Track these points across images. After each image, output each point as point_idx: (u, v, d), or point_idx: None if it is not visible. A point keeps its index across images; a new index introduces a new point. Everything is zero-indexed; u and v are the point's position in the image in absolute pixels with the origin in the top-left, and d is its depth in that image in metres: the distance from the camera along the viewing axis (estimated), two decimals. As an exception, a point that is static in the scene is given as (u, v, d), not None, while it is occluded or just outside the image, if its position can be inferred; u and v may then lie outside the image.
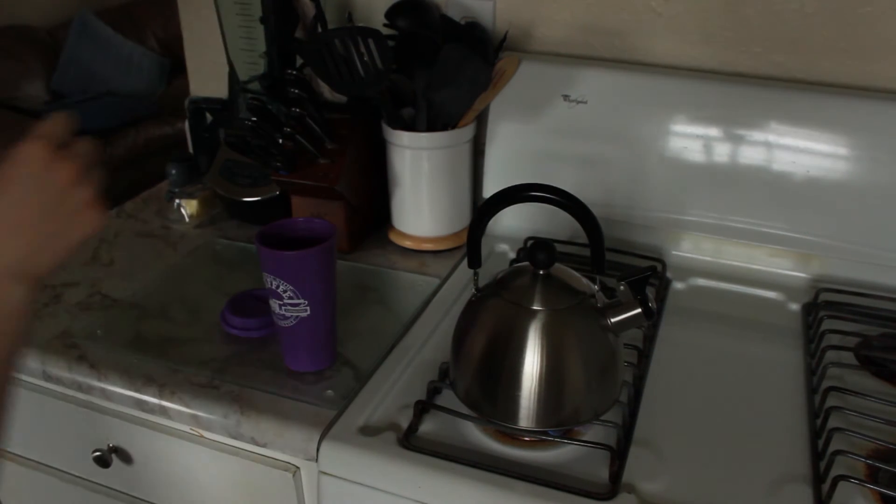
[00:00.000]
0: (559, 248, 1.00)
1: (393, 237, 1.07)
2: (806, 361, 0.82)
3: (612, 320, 0.68)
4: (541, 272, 0.70)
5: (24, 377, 0.87)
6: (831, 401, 0.73)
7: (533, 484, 0.66)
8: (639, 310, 0.67)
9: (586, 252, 1.01)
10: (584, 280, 0.72)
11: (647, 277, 0.68)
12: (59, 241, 0.53)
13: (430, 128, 0.98)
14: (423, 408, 0.73)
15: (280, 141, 0.96)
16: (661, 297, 0.93)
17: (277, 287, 0.76)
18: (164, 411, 0.79)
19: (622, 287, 0.68)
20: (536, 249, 0.70)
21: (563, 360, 0.67)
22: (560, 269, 0.71)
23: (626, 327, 0.68)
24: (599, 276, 0.70)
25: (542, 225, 1.04)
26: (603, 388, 0.70)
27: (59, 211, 0.52)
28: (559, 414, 0.68)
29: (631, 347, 0.80)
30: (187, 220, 1.14)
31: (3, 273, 0.51)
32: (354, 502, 0.71)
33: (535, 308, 0.67)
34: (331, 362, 0.82)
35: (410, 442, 0.70)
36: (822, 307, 0.89)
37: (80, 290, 0.97)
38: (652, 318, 0.69)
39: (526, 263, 0.71)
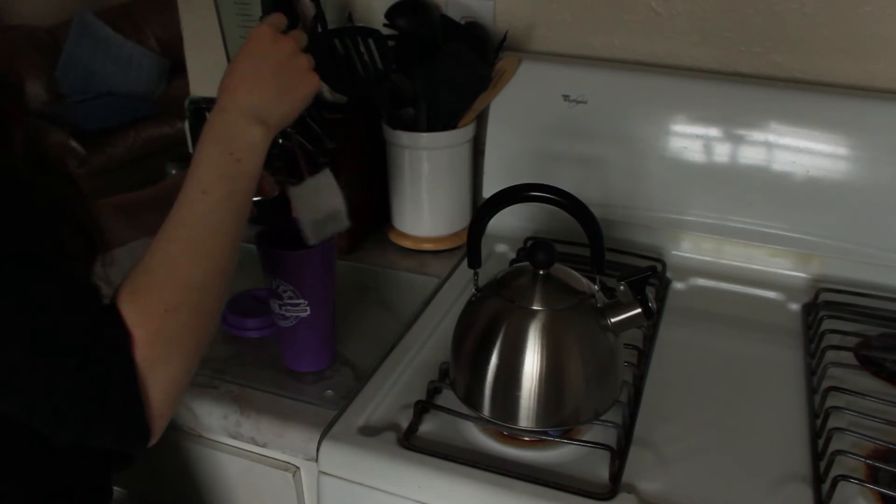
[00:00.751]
0: (559, 248, 1.00)
1: (393, 237, 1.07)
2: (806, 361, 0.82)
3: (612, 320, 0.68)
4: (541, 272, 0.70)
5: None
6: (831, 401, 0.73)
7: (533, 484, 0.66)
8: (639, 310, 0.67)
9: (586, 252, 1.01)
10: (584, 280, 0.72)
11: (646, 277, 0.68)
12: (287, 96, 0.65)
13: (430, 128, 0.98)
14: (423, 408, 0.73)
15: (280, 141, 0.95)
16: (661, 297, 0.93)
17: (277, 287, 0.76)
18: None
19: (622, 287, 0.68)
20: (536, 249, 0.70)
21: (563, 360, 0.67)
22: (560, 269, 0.71)
23: (626, 327, 0.68)
24: (599, 276, 0.70)
25: (542, 225, 1.04)
26: (603, 388, 0.70)
27: (285, 72, 0.65)
28: (559, 414, 0.68)
29: (631, 347, 0.80)
30: (187, 220, 1.14)
31: (247, 113, 0.62)
32: (354, 502, 0.71)
33: (535, 308, 0.67)
34: (331, 362, 0.82)
35: (410, 442, 0.70)
36: (822, 307, 0.89)
37: (80, 290, 0.97)
38: (652, 318, 0.69)
39: (526, 263, 0.71)
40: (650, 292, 0.91)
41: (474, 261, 0.73)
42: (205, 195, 0.59)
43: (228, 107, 0.62)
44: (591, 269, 0.69)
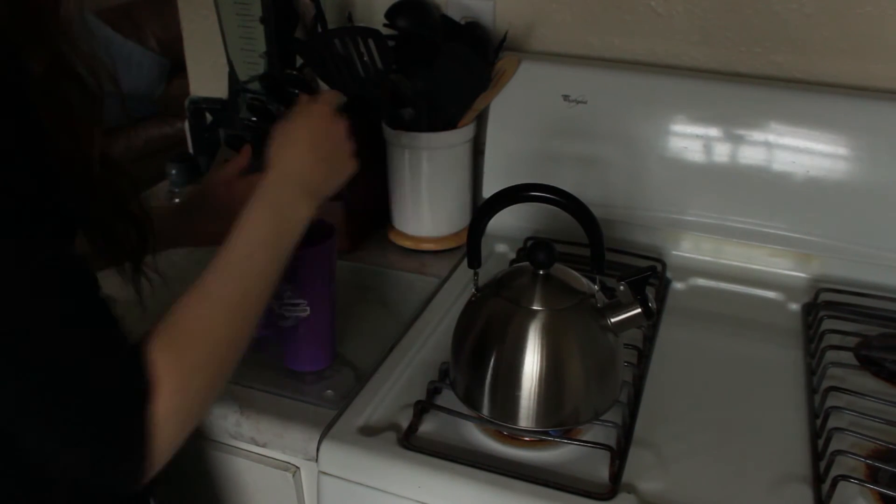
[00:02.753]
0: (559, 248, 1.00)
1: (393, 237, 1.07)
2: (806, 361, 0.82)
3: (612, 320, 0.68)
4: (541, 272, 0.70)
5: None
6: (831, 401, 0.73)
7: (533, 484, 0.66)
8: (639, 310, 0.67)
9: (586, 252, 1.01)
10: (584, 280, 0.72)
11: (646, 277, 0.68)
12: (333, 177, 0.68)
13: (431, 128, 0.98)
14: (423, 408, 0.73)
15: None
16: (661, 297, 0.93)
17: (277, 287, 0.76)
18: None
19: (622, 287, 0.68)
20: (536, 249, 0.70)
21: (563, 360, 0.67)
22: (560, 269, 0.71)
23: (626, 327, 0.68)
24: (599, 276, 0.70)
25: (542, 225, 1.04)
26: (603, 388, 0.70)
27: (336, 154, 0.69)
28: (559, 414, 0.68)
29: (631, 347, 0.80)
30: (187, 220, 1.14)
31: (304, 189, 0.64)
32: (354, 502, 0.71)
33: (534, 308, 0.67)
34: (330, 362, 0.82)
35: (410, 442, 0.70)
36: (822, 307, 0.89)
37: (80, 290, 0.97)
38: (652, 318, 0.69)
39: (526, 263, 0.71)
40: (650, 292, 0.91)
41: (474, 261, 0.73)
42: (250, 260, 0.60)
43: (288, 179, 0.64)
44: (591, 269, 0.69)
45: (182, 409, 0.54)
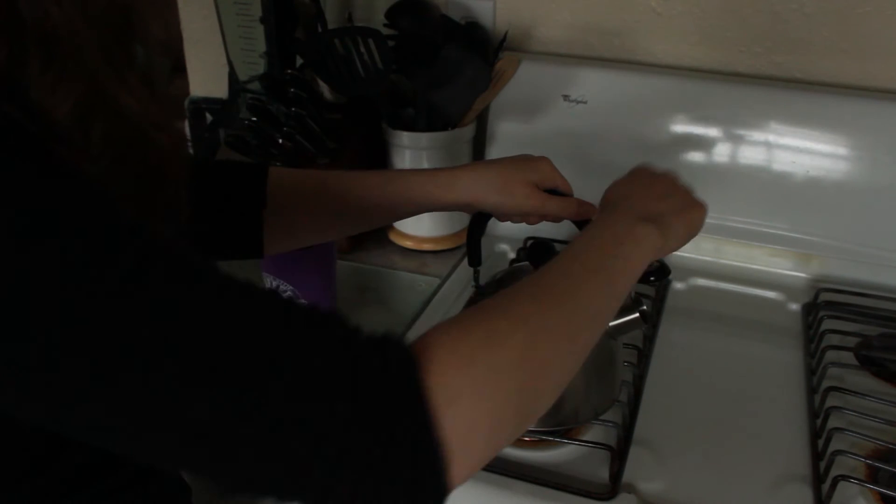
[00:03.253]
0: (559, 248, 1.00)
1: (393, 237, 1.07)
2: (806, 361, 0.82)
3: (610, 324, 0.68)
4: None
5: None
6: (831, 401, 0.73)
7: (533, 484, 0.65)
8: (636, 314, 0.67)
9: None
10: None
11: (646, 278, 0.68)
12: (682, 211, 0.62)
13: (430, 128, 0.98)
14: (423, 408, 0.73)
15: (280, 141, 0.96)
16: (661, 297, 0.93)
17: (277, 287, 0.76)
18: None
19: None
20: (536, 249, 0.70)
21: None
22: None
23: (625, 331, 0.68)
24: None
25: (541, 224, 1.04)
26: (602, 389, 0.70)
27: (675, 193, 0.64)
28: (558, 414, 0.68)
29: (631, 347, 0.80)
30: (187, 220, 1.14)
31: (639, 217, 0.56)
32: (354, 502, 0.71)
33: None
34: None
35: (410, 442, 0.70)
36: (822, 307, 0.89)
37: (80, 290, 0.96)
38: (648, 322, 0.69)
39: (526, 263, 0.71)
40: (651, 293, 0.91)
41: (474, 259, 0.73)
42: (597, 274, 0.50)
43: (619, 211, 0.57)
44: None
45: (467, 390, 0.40)
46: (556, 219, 0.72)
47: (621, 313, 0.67)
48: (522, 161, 0.73)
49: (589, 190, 1.01)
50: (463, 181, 0.69)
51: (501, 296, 0.46)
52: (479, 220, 0.72)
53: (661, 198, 0.60)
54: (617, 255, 0.52)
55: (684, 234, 0.61)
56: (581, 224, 0.69)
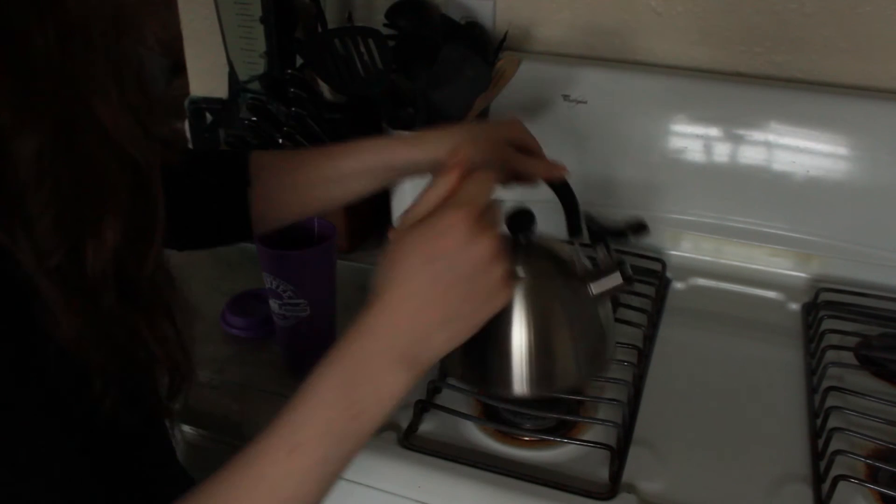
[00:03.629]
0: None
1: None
2: (806, 361, 0.82)
3: (593, 286, 0.66)
4: (521, 240, 0.69)
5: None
6: (831, 401, 0.73)
7: (533, 484, 0.66)
8: (618, 277, 0.65)
9: (586, 252, 1.01)
10: (566, 246, 0.70)
11: (623, 233, 0.67)
12: (458, 323, 0.48)
13: (430, 128, 0.98)
14: (423, 407, 0.73)
15: (280, 141, 0.96)
16: (661, 297, 0.93)
17: (277, 287, 0.76)
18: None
19: (600, 252, 0.67)
20: (516, 217, 0.69)
21: (546, 326, 0.65)
22: (540, 236, 0.70)
23: (608, 295, 0.66)
24: (577, 240, 0.69)
25: (541, 224, 1.04)
26: (593, 354, 0.68)
27: (468, 291, 0.47)
28: (550, 380, 0.66)
29: (631, 347, 0.80)
30: (187, 220, 1.14)
31: (396, 352, 0.46)
32: (354, 502, 0.71)
33: (517, 276, 0.65)
34: None
35: (410, 442, 0.70)
36: (822, 307, 0.89)
37: (80, 290, 0.97)
38: (632, 284, 0.67)
39: (505, 232, 0.70)
40: (651, 294, 0.91)
41: None
42: (292, 455, 0.44)
43: (373, 335, 0.46)
44: (568, 234, 0.68)
45: None
46: (527, 179, 0.69)
47: (601, 277, 0.66)
48: (494, 121, 0.73)
49: (589, 189, 1.01)
50: (433, 139, 0.68)
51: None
52: None
53: (441, 322, 0.47)
54: (350, 426, 0.45)
55: (452, 345, 0.49)
56: (555, 187, 0.68)
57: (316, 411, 0.45)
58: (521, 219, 0.68)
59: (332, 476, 0.45)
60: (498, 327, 0.65)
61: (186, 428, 0.80)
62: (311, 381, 0.46)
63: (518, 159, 0.68)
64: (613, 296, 0.68)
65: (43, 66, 0.36)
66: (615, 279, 0.65)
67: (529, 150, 0.69)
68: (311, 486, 0.45)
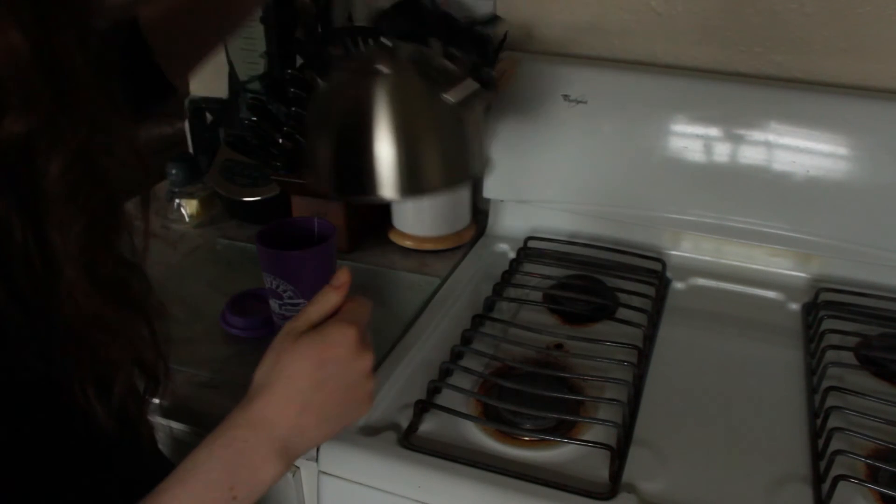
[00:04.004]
0: (559, 247, 1.00)
1: (393, 237, 1.07)
2: (806, 361, 0.82)
3: (450, 93, 0.65)
4: (387, 43, 0.69)
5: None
6: (831, 401, 0.73)
7: (533, 484, 0.66)
8: (472, 80, 0.65)
9: (586, 252, 1.02)
10: (434, 55, 0.70)
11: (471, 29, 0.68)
12: (327, 425, 0.53)
13: (430, 128, 0.98)
14: (423, 407, 0.73)
15: (280, 141, 0.96)
16: (661, 297, 0.93)
17: (277, 287, 0.76)
18: (163, 411, 0.79)
19: (458, 56, 0.67)
20: (382, 17, 0.70)
21: (412, 129, 0.65)
22: (412, 45, 0.70)
23: (470, 102, 0.66)
24: (436, 40, 0.70)
25: (541, 224, 1.04)
26: (457, 161, 0.68)
27: (344, 397, 0.53)
28: (416, 183, 0.66)
29: (631, 347, 0.80)
30: (187, 219, 1.14)
31: (276, 444, 0.51)
32: (354, 502, 0.71)
33: (379, 71, 0.65)
34: None
35: (410, 442, 0.70)
36: (822, 307, 0.89)
37: (80, 290, 0.97)
38: (491, 88, 0.66)
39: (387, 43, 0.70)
40: (651, 294, 0.91)
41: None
42: None
43: (258, 426, 0.51)
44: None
45: None
46: None
47: (455, 86, 0.65)
48: None
49: (589, 189, 1.01)
50: None
51: None
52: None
53: (317, 418, 0.52)
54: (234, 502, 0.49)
55: (318, 442, 0.57)
56: None
57: (200, 490, 0.49)
58: (388, 18, 0.69)
59: None
60: (364, 132, 0.64)
61: (186, 427, 0.80)
62: (196, 459, 0.50)
63: None
64: (480, 103, 0.67)
65: (76, 88, 0.41)
66: (470, 85, 0.65)
67: None
68: None
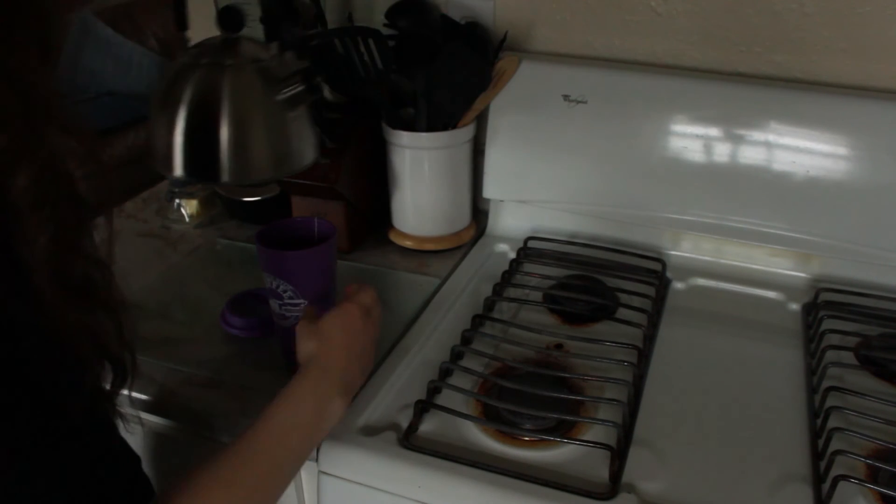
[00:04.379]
0: (559, 247, 1.00)
1: (393, 237, 1.07)
2: (806, 361, 0.82)
3: (278, 90, 0.72)
4: (230, 36, 0.75)
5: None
6: (831, 401, 0.73)
7: (533, 484, 0.66)
8: (300, 82, 0.72)
9: (586, 252, 1.02)
10: (271, 47, 0.75)
11: (308, 42, 0.75)
12: (363, 373, 0.72)
13: (430, 128, 0.98)
14: (423, 407, 0.73)
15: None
16: (661, 297, 0.93)
17: (277, 287, 0.76)
18: (164, 411, 0.79)
19: (286, 56, 0.73)
20: (224, 14, 0.75)
21: (244, 121, 0.71)
22: (251, 39, 0.76)
23: (295, 99, 0.72)
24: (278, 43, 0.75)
25: (541, 224, 1.04)
26: (284, 154, 0.75)
27: (366, 352, 0.72)
28: (246, 171, 0.73)
29: (631, 347, 0.80)
30: (187, 220, 1.14)
31: (339, 384, 0.67)
32: (354, 502, 0.71)
33: (222, 64, 0.72)
34: None
35: (410, 442, 0.70)
36: (822, 307, 0.89)
37: (80, 290, 0.97)
38: (318, 92, 0.73)
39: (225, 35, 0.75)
40: (651, 294, 0.91)
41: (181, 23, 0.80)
42: (279, 445, 0.62)
43: (329, 374, 0.67)
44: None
45: None
46: None
47: (285, 82, 0.72)
48: None
49: (589, 189, 1.01)
50: None
51: (228, 479, 0.58)
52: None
53: (358, 358, 0.70)
54: (314, 436, 0.66)
55: (359, 385, 0.73)
56: None
57: (301, 410, 0.64)
58: (230, 17, 0.74)
59: (299, 462, 0.65)
60: (202, 120, 0.72)
61: (186, 427, 0.80)
62: (293, 391, 0.65)
63: None
64: (307, 104, 0.74)
65: (41, 103, 0.45)
66: (298, 87, 0.71)
67: None
68: (289, 468, 0.63)
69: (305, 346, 0.69)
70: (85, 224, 0.51)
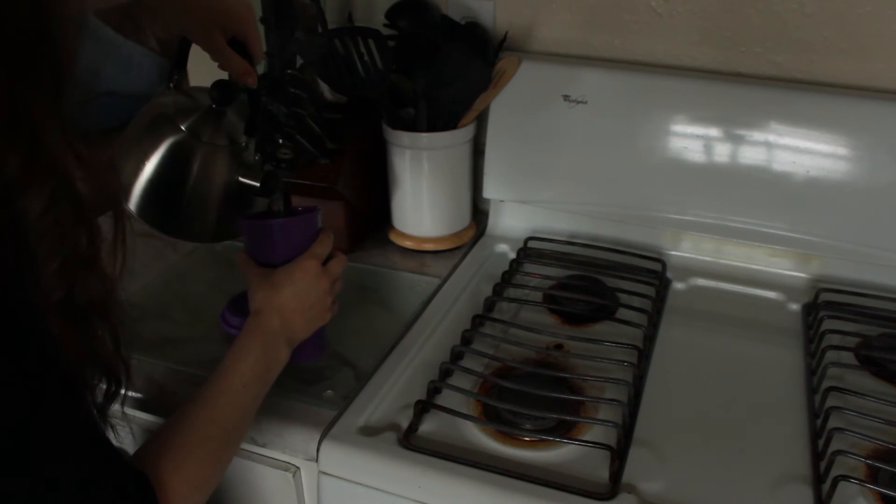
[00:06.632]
0: (559, 248, 1.00)
1: (393, 237, 1.07)
2: (806, 361, 0.82)
3: (240, 170, 0.77)
4: (215, 108, 0.80)
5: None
6: (831, 401, 0.73)
7: (533, 484, 0.66)
8: (259, 183, 0.76)
9: (586, 252, 1.02)
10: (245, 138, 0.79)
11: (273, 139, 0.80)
12: (309, 326, 0.74)
13: (430, 128, 0.98)
14: (423, 408, 0.73)
15: (280, 141, 0.95)
16: (661, 297, 0.93)
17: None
18: (164, 411, 0.79)
19: (251, 148, 0.78)
20: (215, 87, 0.81)
21: (204, 183, 0.77)
22: (234, 115, 0.81)
23: (248, 186, 0.77)
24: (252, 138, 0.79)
25: (541, 224, 1.04)
26: (224, 222, 0.79)
27: (318, 305, 0.74)
28: (190, 229, 0.78)
29: (631, 347, 0.80)
30: (187, 220, 1.14)
31: (283, 335, 0.71)
32: (354, 502, 0.71)
33: (199, 140, 0.77)
34: (321, 353, 0.81)
35: (410, 442, 0.70)
36: (822, 307, 0.89)
37: (80, 290, 0.97)
38: (271, 194, 0.78)
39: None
40: (651, 294, 0.91)
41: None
42: (244, 389, 0.67)
43: (273, 325, 0.71)
44: (244, 132, 0.79)
45: None
46: (229, 69, 0.82)
47: (248, 174, 0.77)
48: (224, 7, 0.85)
49: (589, 189, 1.01)
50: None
51: (196, 430, 0.62)
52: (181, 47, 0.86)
53: (305, 311, 0.73)
54: (267, 382, 0.70)
55: (305, 337, 0.75)
56: (247, 90, 0.80)
57: (251, 363, 0.68)
58: (221, 92, 0.80)
59: (257, 404, 0.69)
60: (170, 178, 0.78)
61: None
62: (244, 346, 0.69)
63: (219, 52, 0.82)
64: (252, 197, 0.79)
65: (49, 130, 0.46)
66: (255, 183, 0.77)
67: (245, 44, 0.84)
68: (251, 410, 0.69)
69: (255, 293, 0.72)
70: (94, 245, 0.52)
